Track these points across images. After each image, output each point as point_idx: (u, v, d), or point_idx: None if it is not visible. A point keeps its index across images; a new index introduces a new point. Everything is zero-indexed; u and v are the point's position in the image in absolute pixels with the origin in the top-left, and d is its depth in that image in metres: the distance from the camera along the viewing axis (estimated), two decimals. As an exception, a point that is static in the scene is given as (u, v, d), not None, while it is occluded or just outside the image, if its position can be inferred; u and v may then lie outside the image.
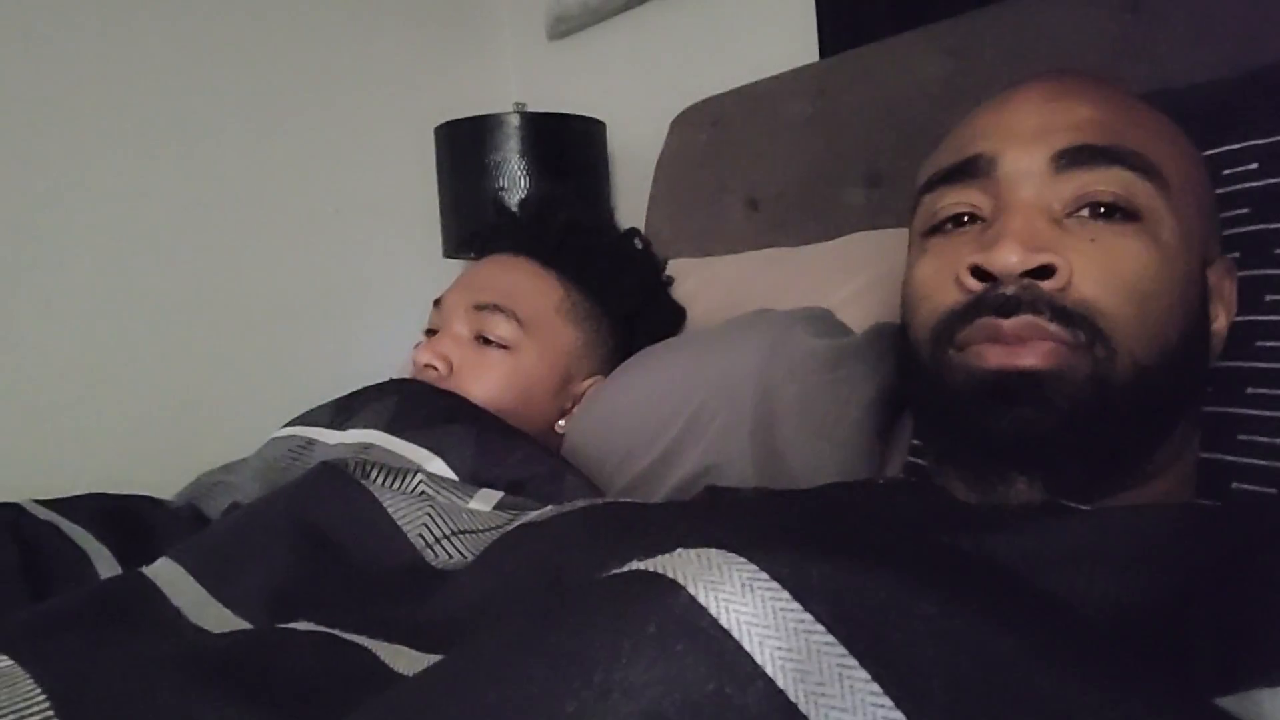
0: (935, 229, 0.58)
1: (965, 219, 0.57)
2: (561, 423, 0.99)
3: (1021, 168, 0.55)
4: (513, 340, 0.95)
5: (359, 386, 0.91)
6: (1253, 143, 0.66)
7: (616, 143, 1.67)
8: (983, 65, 1.02)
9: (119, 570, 0.70)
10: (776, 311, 0.93)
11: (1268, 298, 0.62)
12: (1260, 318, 0.62)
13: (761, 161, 1.26)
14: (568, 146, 1.56)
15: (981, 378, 0.52)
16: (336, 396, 0.91)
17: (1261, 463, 0.60)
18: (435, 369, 0.94)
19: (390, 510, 0.60)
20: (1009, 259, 0.51)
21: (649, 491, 0.85)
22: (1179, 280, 0.54)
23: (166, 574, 0.56)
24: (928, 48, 1.09)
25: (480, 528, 0.61)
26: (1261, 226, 0.63)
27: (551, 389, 0.97)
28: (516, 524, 0.57)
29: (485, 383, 0.93)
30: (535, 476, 0.79)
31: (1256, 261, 0.63)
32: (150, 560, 0.58)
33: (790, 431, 0.79)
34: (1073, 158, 0.54)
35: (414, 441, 0.79)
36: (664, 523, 0.50)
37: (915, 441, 0.74)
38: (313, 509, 0.60)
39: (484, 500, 0.68)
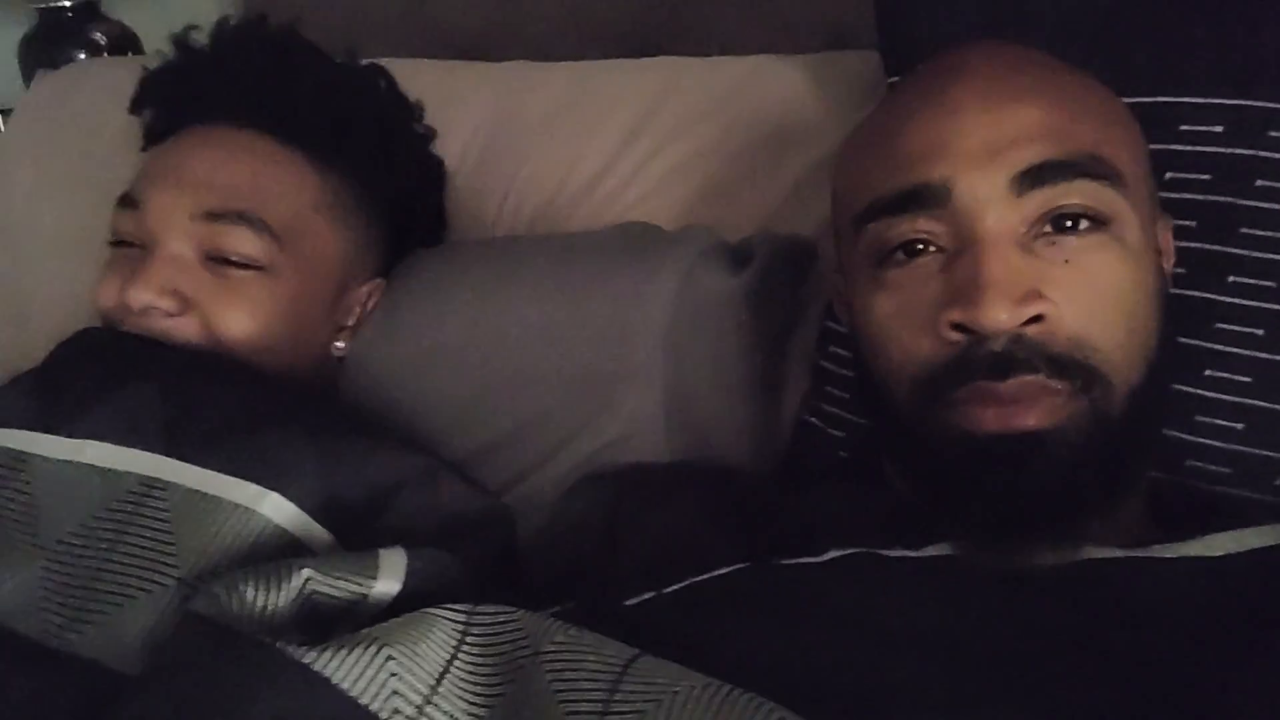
0: (886, 259, 0.53)
1: (919, 246, 0.52)
2: (340, 344, 0.77)
3: (980, 195, 0.50)
4: (265, 258, 0.70)
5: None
6: (1219, 101, 0.63)
7: None
8: None
9: None
10: (665, 235, 0.76)
11: (1231, 279, 0.60)
12: (1223, 298, 0.61)
13: None
14: None
15: (977, 443, 0.48)
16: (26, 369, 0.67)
17: (1217, 444, 0.61)
18: (165, 311, 0.67)
19: (348, 688, 0.42)
20: (998, 317, 0.47)
21: (526, 468, 0.72)
22: (1148, 278, 0.52)
23: None
24: None
25: (442, 661, 0.45)
26: (1228, 200, 0.61)
27: (326, 307, 0.75)
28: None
29: (241, 317, 0.69)
30: (404, 482, 0.62)
31: (1220, 237, 0.61)
32: None
33: (707, 397, 0.71)
34: (1035, 177, 0.49)
35: (222, 469, 0.58)
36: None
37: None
38: None
39: (390, 573, 0.51)
